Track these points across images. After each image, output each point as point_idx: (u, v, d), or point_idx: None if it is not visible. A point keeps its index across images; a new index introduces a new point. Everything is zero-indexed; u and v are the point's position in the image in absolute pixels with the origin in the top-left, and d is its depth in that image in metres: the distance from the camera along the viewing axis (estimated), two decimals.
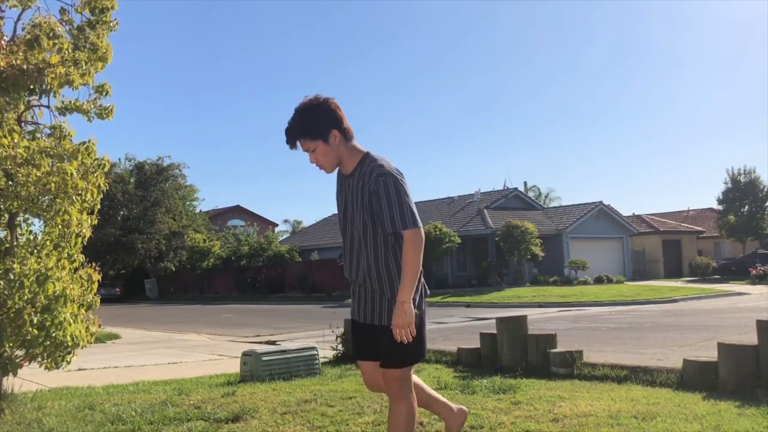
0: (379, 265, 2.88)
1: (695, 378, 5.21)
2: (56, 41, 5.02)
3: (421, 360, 3.06)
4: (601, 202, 34.76)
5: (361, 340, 3.08)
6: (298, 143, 2.87)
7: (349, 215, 2.95)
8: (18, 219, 5.17)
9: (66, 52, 5.12)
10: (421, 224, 2.83)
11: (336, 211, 3.16)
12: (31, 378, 6.89)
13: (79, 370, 8.25)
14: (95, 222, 5.29)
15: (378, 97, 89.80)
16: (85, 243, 5.26)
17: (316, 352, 7.05)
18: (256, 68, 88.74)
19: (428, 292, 3.06)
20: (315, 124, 2.83)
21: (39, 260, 4.81)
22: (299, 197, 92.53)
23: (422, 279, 2.94)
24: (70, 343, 4.84)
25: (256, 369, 6.63)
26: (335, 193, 3.09)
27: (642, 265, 37.64)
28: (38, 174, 4.78)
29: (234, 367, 7.65)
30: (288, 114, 2.88)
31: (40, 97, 5.19)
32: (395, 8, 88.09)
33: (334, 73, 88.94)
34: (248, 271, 37.37)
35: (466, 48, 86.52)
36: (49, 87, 5.03)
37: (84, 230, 5.15)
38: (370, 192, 2.81)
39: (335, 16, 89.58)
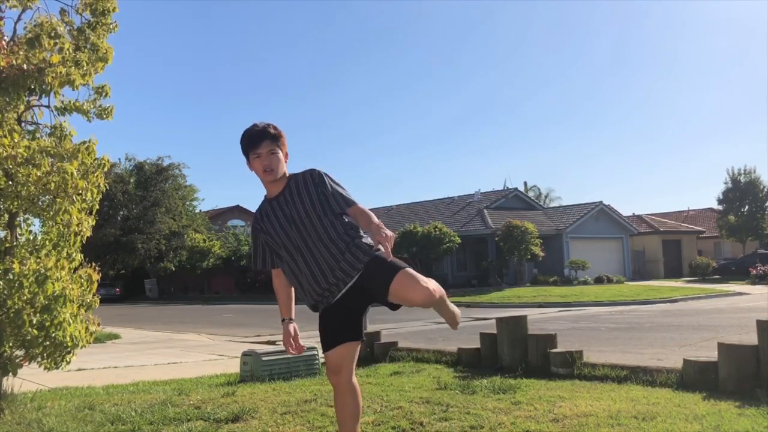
0: (337, 240, 3.02)
1: (695, 378, 5.21)
2: (57, 41, 5.02)
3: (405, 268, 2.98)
4: (601, 202, 34.76)
5: (334, 321, 3.08)
6: (262, 143, 3.10)
7: (294, 223, 3.06)
8: (18, 219, 5.16)
9: (67, 52, 5.11)
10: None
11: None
12: (30, 378, 6.89)
13: (79, 370, 8.25)
14: (94, 222, 5.29)
15: (378, 98, 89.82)
16: (84, 243, 5.26)
17: (316, 352, 7.05)
18: (257, 70, 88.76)
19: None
20: (282, 138, 3.18)
21: (38, 260, 4.81)
22: None
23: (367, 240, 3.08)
24: (69, 344, 4.84)
25: (256, 369, 6.62)
26: (261, 226, 3.19)
27: (642, 265, 37.64)
28: (38, 174, 4.78)
29: (234, 367, 7.65)
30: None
31: (41, 97, 5.18)
32: (395, 10, 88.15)
33: (335, 75, 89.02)
34: (248, 271, 37.36)
35: (466, 49, 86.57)
36: (49, 87, 5.03)
37: (84, 230, 5.15)
38: (316, 184, 3.10)
39: (336, 20, 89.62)
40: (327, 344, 3.13)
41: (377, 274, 2.95)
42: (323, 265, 3.02)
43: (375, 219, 2.94)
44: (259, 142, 3.10)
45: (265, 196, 3.23)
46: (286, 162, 3.20)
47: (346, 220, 3.09)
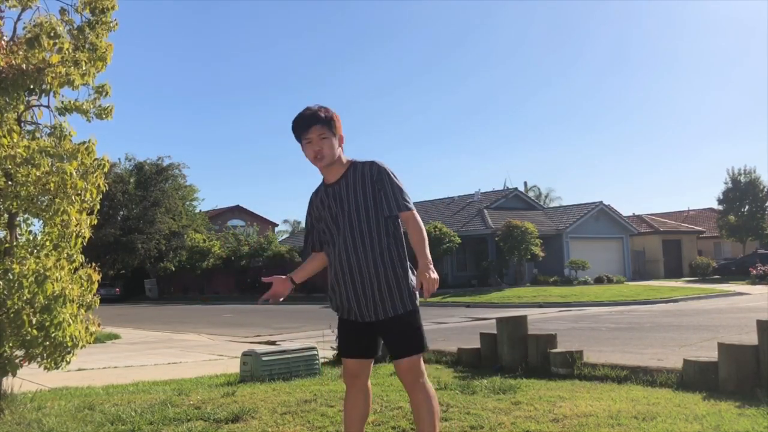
0: (384, 256, 2.98)
1: (695, 378, 5.20)
2: (56, 41, 5.01)
3: (426, 350, 3.10)
4: (601, 202, 34.74)
5: (356, 338, 3.09)
6: (312, 128, 2.98)
7: (344, 217, 3.02)
8: (18, 219, 5.16)
9: (66, 51, 5.11)
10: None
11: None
12: (30, 378, 6.89)
13: (79, 370, 8.24)
14: (94, 222, 5.28)
15: (378, 98, 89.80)
16: (84, 243, 5.25)
17: (316, 352, 7.05)
18: (257, 69, 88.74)
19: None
20: (334, 121, 3.03)
21: (38, 260, 4.80)
22: (299, 197, 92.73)
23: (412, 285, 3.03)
24: (69, 344, 4.83)
25: (256, 369, 6.62)
26: (312, 210, 3.17)
27: (642, 265, 37.62)
28: (38, 174, 4.78)
29: (234, 367, 7.65)
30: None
31: (40, 97, 5.18)
32: (395, 10, 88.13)
33: (335, 74, 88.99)
34: (248, 271, 37.35)
35: (466, 48, 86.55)
36: (49, 87, 5.02)
37: (83, 230, 5.14)
38: (374, 181, 2.99)
39: (335, 19, 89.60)
40: (347, 352, 3.13)
41: (398, 337, 2.99)
42: (364, 261, 2.97)
43: (427, 250, 2.88)
44: (308, 126, 2.99)
45: (323, 180, 3.15)
46: (341, 145, 3.07)
47: (393, 229, 3.02)
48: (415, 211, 3.02)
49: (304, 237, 3.29)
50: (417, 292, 2.98)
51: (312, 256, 3.26)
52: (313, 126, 2.99)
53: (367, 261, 2.97)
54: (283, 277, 3.22)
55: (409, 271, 3.03)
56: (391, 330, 3.00)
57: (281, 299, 3.24)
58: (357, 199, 3.01)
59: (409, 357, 2.97)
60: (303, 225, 55.32)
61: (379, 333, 3.06)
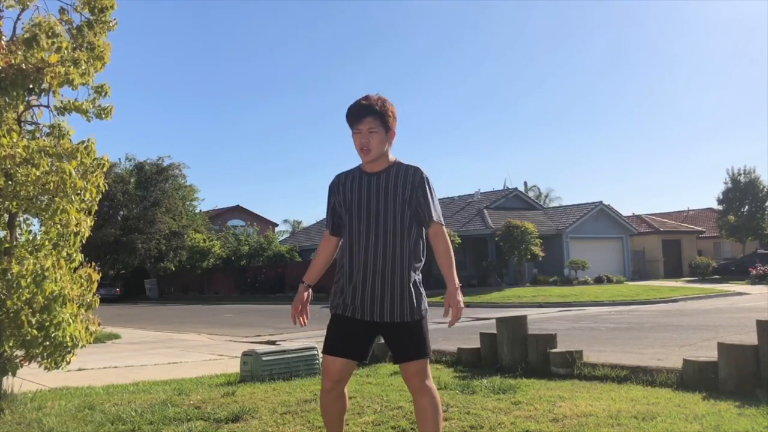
0: (404, 259, 2.97)
1: (695, 378, 5.20)
2: (55, 40, 5.01)
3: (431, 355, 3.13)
4: (601, 202, 34.76)
5: (354, 339, 3.02)
6: (364, 119, 2.94)
7: (373, 210, 2.99)
8: (17, 219, 5.16)
9: (65, 51, 5.11)
10: None
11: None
12: (30, 378, 6.89)
13: (79, 370, 8.24)
14: (93, 222, 5.28)
15: None
16: (84, 243, 5.25)
17: (316, 352, 7.04)
18: (257, 69, 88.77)
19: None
20: (389, 115, 3.00)
21: (36, 260, 4.80)
22: (299, 197, 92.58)
23: (423, 292, 3.07)
24: (69, 344, 4.83)
25: (256, 369, 6.62)
26: (339, 190, 3.10)
27: (642, 265, 37.63)
28: (37, 173, 4.77)
29: (234, 367, 7.65)
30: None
31: (39, 97, 5.18)
32: (393, 8, 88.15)
33: (333, 72, 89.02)
34: (248, 271, 37.35)
35: (465, 47, 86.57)
36: (48, 86, 5.01)
37: (83, 230, 5.14)
38: (414, 187, 2.98)
39: (333, 17, 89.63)
40: (334, 351, 3.02)
41: (408, 342, 2.98)
42: (382, 258, 2.95)
43: (455, 272, 2.94)
44: (361, 117, 2.93)
45: (360, 167, 3.09)
46: (391, 141, 3.04)
47: (416, 237, 3.01)
48: (444, 228, 3.04)
49: (328, 215, 3.21)
50: (429, 312, 3.08)
51: (324, 248, 3.21)
52: (365, 118, 2.93)
53: (388, 258, 2.94)
54: (300, 289, 3.16)
55: (420, 285, 3.05)
56: (399, 334, 2.98)
57: (307, 309, 3.20)
58: (395, 196, 2.98)
59: (416, 360, 2.97)
60: (303, 224, 55.56)
61: (382, 335, 3.05)
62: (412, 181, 2.99)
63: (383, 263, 2.95)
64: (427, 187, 3.00)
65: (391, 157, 3.07)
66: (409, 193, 2.98)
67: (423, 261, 3.07)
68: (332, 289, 3.13)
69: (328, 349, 3.04)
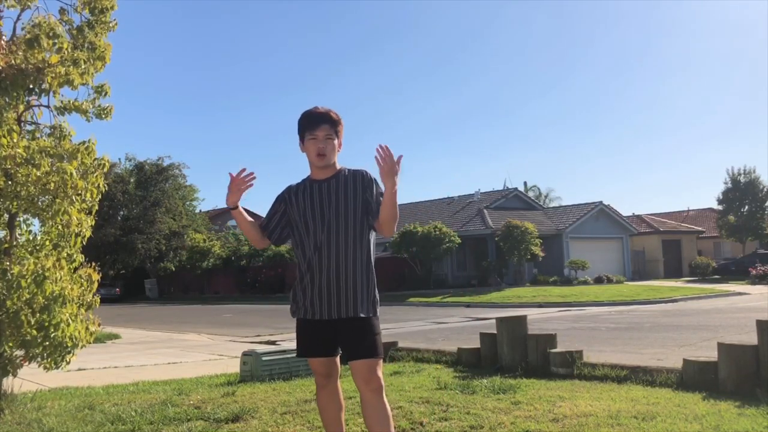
0: (356, 261, 3.07)
1: (695, 378, 5.21)
2: (56, 41, 5.01)
3: (380, 356, 3.13)
4: (600, 202, 34.76)
5: (318, 338, 3.12)
6: (321, 126, 3.08)
7: (326, 215, 3.08)
8: (18, 219, 5.16)
9: (66, 51, 5.11)
10: None
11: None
12: (30, 378, 6.88)
13: (79, 370, 8.24)
14: (92, 223, 5.28)
15: (378, 97, 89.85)
16: (84, 243, 5.25)
17: None
18: (257, 70, 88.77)
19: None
20: (340, 125, 3.17)
21: (37, 261, 4.80)
22: None
23: (377, 293, 3.16)
24: (69, 344, 4.84)
25: (256, 369, 6.62)
26: (288, 198, 3.20)
27: (642, 265, 37.63)
28: (38, 174, 4.78)
29: (234, 367, 7.65)
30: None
31: (40, 97, 5.18)
32: (396, 10, 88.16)
33: (335, 75, 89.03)
34: (248, 271, 37.34)
35: (467, 49, 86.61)
36: (48, 87, 5.02)
37: (83, 230, 5.15)
38: (364, 186, 3.11)
39: (337, 19, 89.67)
40: (311, 352, 3.16)
41: (357, 339, 3.03)
42: (335, 258, 3.04)
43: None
44: (318, 124, 3.08)
45: (309, 177, 3.21)
46: (338, 152, 3.17)
47: (368, 237, 3.12)
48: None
49: (269, 222, 3.29)
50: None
51: (255, 227, 3.28)
52: (322, 125, 3.08)
53: (341, 261, 3.05)
54: (235, 192, 3.21)
55: (375, 281, 3.15)
56: (349, 331, 3.05)
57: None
58: (346, 198, 3.10)
59: (363, 360, 3.00)
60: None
61: (337, 332, 3.09)
62: (361, 182, 3.13)
63: (336, 265, 3.05)
64: (375, 187, 3.14)
65: (338, 165, 3.20)
66: (361, 193, 3.11)
67: (373, 262, 3.16)
68: (290, 294, 3.25)
69: (300, 352, 3.21)
